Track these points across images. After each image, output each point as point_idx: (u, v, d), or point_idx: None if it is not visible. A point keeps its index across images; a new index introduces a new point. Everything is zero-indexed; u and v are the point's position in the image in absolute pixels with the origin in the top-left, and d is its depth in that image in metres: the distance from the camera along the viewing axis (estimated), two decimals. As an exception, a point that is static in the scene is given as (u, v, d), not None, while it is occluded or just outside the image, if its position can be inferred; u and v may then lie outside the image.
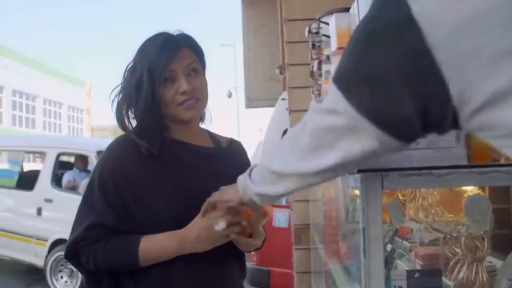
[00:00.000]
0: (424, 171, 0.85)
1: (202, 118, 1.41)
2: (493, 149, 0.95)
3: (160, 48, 1.22)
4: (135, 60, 1.27)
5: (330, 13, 2.40)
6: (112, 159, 1.26)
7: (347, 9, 2.42)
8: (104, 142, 8.50)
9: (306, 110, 2.63)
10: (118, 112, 1.29)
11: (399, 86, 0.61)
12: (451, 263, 0.93)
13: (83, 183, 5.61)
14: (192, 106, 1.25)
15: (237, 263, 1.31)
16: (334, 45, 1.28)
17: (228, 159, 1.35)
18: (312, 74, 2.44)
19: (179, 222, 1.19)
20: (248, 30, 16.50)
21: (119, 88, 1.30)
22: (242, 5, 16.06)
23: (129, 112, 1.29)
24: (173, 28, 1.31)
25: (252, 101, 16.53)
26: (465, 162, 0.88)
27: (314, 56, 2.42)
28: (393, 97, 0.63)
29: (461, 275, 0.89)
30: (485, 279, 0.90)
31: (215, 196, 1.15)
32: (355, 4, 1.17)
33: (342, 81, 0.71)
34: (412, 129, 0.65)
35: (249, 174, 1.03)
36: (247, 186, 1.01)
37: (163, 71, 1.20)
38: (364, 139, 0.68)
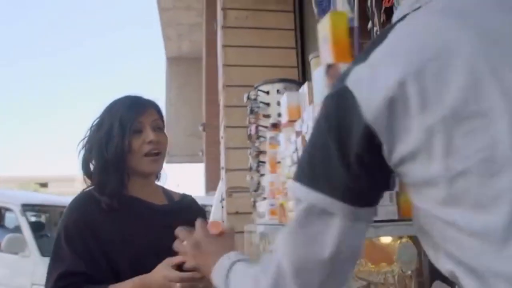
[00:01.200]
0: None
1: (157, 176, 1.50)
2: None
3: (130, 104, 1.36)
4: (102, 116, 1.37)
5: (267, 82, 2.64)
6: (76, 213, 1.33)
7: (282, 80, 2.68)
8: (30, 195, 7.80)
9: (241, 169, 2.76)
10: (85, 163, 1.38)
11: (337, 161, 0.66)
12: None
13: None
14: (157, 160, 1.37)
15: None
16: (285, 118, 1.46)
17: (181, 213, 1.43)
18: (250, 136, 2.61)
19: (140, 272, 1.26)
20: (171, 86, 16.64)
21: (84, 140, 1.39)
22: (167, 62, 16.24)
23: (91, 164, 1.38)
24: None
25: (172, 157, 16.36)
26: (396, 217, 1.07)
27: (252, 121, 2.62)
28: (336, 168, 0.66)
29: None
30: None
31: (187, 258, 1.10)
32: (304, 86, 1.36)
33: (297, 174, 0.73)
34: (364, 195, 0.68)
35: (227, 276, 0.88)
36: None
37: (133, 122, 1.32)
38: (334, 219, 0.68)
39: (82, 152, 1.39)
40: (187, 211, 1.46)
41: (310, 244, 0.69)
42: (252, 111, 2.62)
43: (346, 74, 0.68)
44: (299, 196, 0.71)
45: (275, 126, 1.96)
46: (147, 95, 1.45)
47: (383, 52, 0.65)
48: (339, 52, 1.11)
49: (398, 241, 1.09)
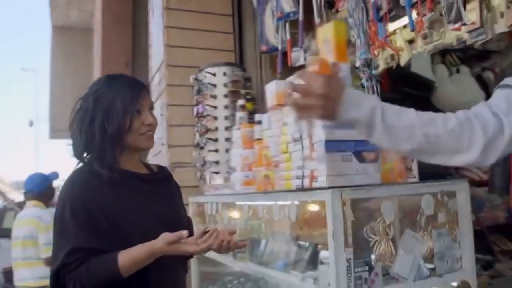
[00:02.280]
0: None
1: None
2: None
3: (131, 85, 1.44)
4: (100, 90, 1.41)
5: (213, 65, 2.84)
6: (78, 188, 1.37)
7: (227, 64, 2.90)
8: None
9: (183, 146, 2.96)
10: (84, 134, 1.39)
11: None
12: (371, 243, 1.43)
13: None
14: (152, 137, 1.47)
15: (183, 265, 1.58)
16: (273, 102, 1.69)
17: (164, 182, 1.57)
18: (197, 115, 2.80)
19: (148, 236, 1.33)
20: (56, 57, 15.56)
21: (81, 111, 1.41)
22: (52, 31, 15.12)
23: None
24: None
25: (57, 132, 15.44)
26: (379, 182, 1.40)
27: (199, 100, 2.81)
28: None
29: (380, 250, 1.42)
30: (393, 251, 1.43)
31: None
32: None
33: None
34: None
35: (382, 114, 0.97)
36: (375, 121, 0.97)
37: (136, 104, 1.40)
38: None
39: (78, 121, 1.41)
40: (168, 180, 1.61)
41: None
42: (199, 91, 2.80)
43: None
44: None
45: (243, 107, 2.18)
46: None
47: None
48: (339, 53, 1.38)
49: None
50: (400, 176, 1.53)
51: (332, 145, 1.35)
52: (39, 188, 3.45)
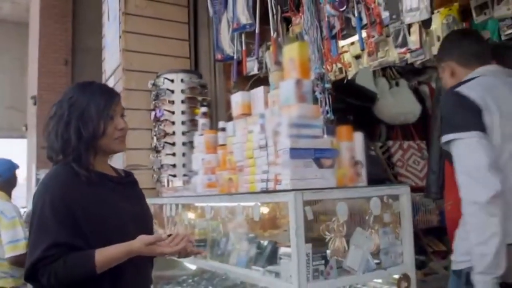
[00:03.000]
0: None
1: None
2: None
3: (104, 91, 1.54)
4: (74, 96, 1.50)
5: (172, 71, 2.93)
6: (59, 186, 1.43)
7: (185, 71, 3.00)
8: None
9: (139, 149, 3.02)
10: (60, 137, 1.46)
11: None
12: (327, 240, 1.61)
13: None
14: (124, 141, 1.57)
15: (151, 262, 1.64)
16: (238, 111, 1.83)
17: (133, 185, 1.67)
18: (155, 119, 2.88)
19: (125, 235, 1.41)
20: (-14, 51, 14.65)
21: (57, 114, 1.49)
22: (-18, 23, 14.25)
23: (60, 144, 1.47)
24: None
25: (-12, 130, 14.53)
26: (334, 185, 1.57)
27: (157, 105, 2.89)
28: None
29: (334, 245, 1.60)
30: (345, 247, 1.62)
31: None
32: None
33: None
34: None
35: None
36: None
37: (109, 109, 1.49)
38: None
39: (53, 126, 1.48)
40: (135, 184, 1.70)
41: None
42: (157, 97, 2.89)
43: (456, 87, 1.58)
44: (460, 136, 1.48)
45: (205, 114, 2.29)
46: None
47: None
48: (303, 71, 1.55)
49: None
50: (351, 181, 1.72)
51: (295, 153, 1.50)
52: (7, 174, 3.03)
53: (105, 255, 1.37)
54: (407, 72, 4.15)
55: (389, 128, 4.16)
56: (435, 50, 2.37)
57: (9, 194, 3.05)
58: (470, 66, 1.68)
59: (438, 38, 2.33)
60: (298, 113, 1.52)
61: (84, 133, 1.45)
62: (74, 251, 1.35)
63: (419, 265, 3.81)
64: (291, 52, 1.58)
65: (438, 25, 2.32)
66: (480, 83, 1.60)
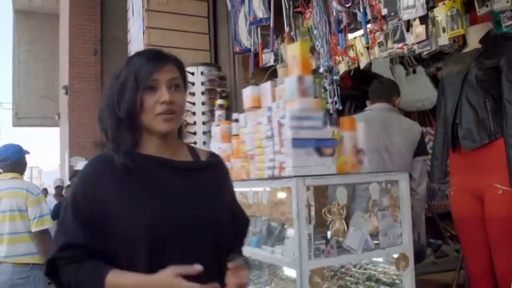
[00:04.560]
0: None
1: (180, 134, 1.34)
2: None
3: (148, 58, 1.23)
4: (121, 69, 1.26)
5: (192, 64, 3.11)
6: (85, 181, 1.22)
7: (204, 64, 3.17)
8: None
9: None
10: (100, 119, 1.27)
11: None
12: (328, 222, 1.78)
13: None
14: (170, 119, 1.20)
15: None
16: (248, 104, 1.99)
17: (207, 173, 1.29)
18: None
19: (156, 242, 1.14)
20: (19, 42, 15.25)
21: (101, 103, 1.29)
22: (15, 15, 14.82)
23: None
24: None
25: (20, 119, 15.19)
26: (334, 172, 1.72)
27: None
28: None
29: (334, 227, 1.76)
30: (345, 228, 1.78)
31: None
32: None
33: None
34: None
35: None
36: None
37: (147, 78, 1.19)
38: None
39: (99, 109, 1.28)
40: (214, 170, 1.32)
41: None
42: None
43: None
44: None
45: (222, 106, 2.47)
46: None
47: None
48: (304, 68, 1.70)
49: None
50: (353, 168, 1.86)
51: (297, 143, 1.66)
52: (17, 156, 3.20)
53: (118, 282, 1.13)
54: (424, 58, 4.20)
55: (406, 114, 4.25)
56: (441, 41, 2.46)
57: (21, 174, 3.24)
58: (372, 102, 2.76)
59: (444, 29, 2.42)
60: (300, 106, 1.67)
61: (120, 111, 1.21)
62: (92, 254, 1.15)
63: (436, 249, 3.94)
64: (293, 50, 1.73)
65: (443, 17, 2.40)
66: (364, 114, 2.67)
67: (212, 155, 1.38)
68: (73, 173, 5.31)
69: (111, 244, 1.16)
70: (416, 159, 2.60)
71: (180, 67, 1.28)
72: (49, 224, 3.04)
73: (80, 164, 8.20)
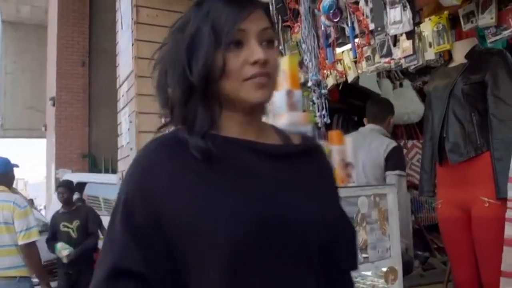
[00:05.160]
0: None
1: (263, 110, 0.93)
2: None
3: (229, 1, 0.85)
4: (188, 16, 0.88)
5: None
6: (137, 176, 0.83)
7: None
8: None
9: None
10: (161, 90, 0.89)
11: None
12: None
13: None
14: (265, 85, 0.83)
15: None
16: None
17: (305, 161, 0.91)
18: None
19: (241, 255, 0.76)
20: (6, 53, 15.20)
21: (158, 68, 0.90)
22: (2, 26, 14.77)
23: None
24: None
25: (7, 130, 15.06)
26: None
27: (167, 109, 3.07)
28: None
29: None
30: None
31: None
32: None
33: None
34: None
35: None
36: None
37: (231, 29, 0.81)
38: None
39: (157, 76, 0.90)
40: (312, 156, 0.94)
41: None
42: (167, 101, 3.07)
43: None
44: None
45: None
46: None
47: None
48: (293, 82, 1.71)
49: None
50: (341, 181, 1.87)
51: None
52: (4, 169, 3.18)
53: None
54: (411, 73, 4.26)
55: (394, 128, 4.29)
56: (427, 55, 2.50)
57: (9, 188, 3.21)
58: (368, 121, 3.00)
59: (430, 44, 2.46)
60: (289, 120, 1.68)
61: (191, 76, 0.82)
62: (144, 284, 0.78)
63: (423, 261, 3.96)
64: (282, 64, 1.74)
65: (429, 32, 2.45)
66: (353, 134, 2.87)
67: (306, 137, 1.00)
68: (59, 184, 5.28)
69: (178, 267, 0.78)
70: (387, 173, 2.78)
71: (268, 14, 0.90)
72: (36, 237, 3.02)
73: (67, 176, 8.13)
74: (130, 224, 0.79)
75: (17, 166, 3.39)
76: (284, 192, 0.83)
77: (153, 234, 0.78)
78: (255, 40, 0.83)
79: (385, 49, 2.14)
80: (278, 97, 1.74)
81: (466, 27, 2.26)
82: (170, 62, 0.87)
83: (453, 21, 2.40)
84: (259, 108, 0.87)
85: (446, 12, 2.37)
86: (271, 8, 2.66)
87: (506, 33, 2.13)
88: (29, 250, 2.95)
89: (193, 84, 0.82)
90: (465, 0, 2.22)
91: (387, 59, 2.15)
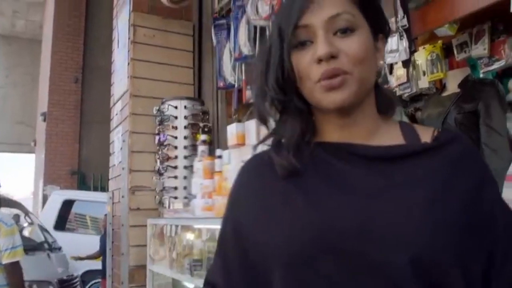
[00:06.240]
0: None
1: (383, 105, 0.81)
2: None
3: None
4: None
5: (176, 98, 3.12)
6: (231, 204, 0.82)
7: (188, 98, 3.17)
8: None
9: (143, 171, 3.19)
10: (259, 107, 0.81)
11: None
12: None
13: None
14: (335, 86, 0.71)
15: None
16: (234, 141, 1.99)
17: (423, 162, 0.72)
18: (159, 143, 3.05)
19: (301, 276, 0.67)
20: (-1, 66, 15.07)
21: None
22: (-5, 39, 14.68)
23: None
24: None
25: (-5, 146, 14.83)
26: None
27: (161, 130, 3.06)
28: None
29: None
30: None
31: None
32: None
33: None
34: None
35: None
36: None
37: (291, 27, 0.73)
38: None
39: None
40: (440, 154, 0.73)
41: None
42: (161, 122, 3.06)
43: None
44: None
45: (205, 142, 2.46)
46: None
47: None
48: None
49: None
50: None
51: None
52: None
53: None
54: (403, 100, 4.31)
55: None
56: (421, 83, 2.54)
57: None
58: None
59: (424, 72, 2.49)
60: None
61: (266, 87, 0.77)
62: None
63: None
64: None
65: (423, 61, 2.48)
66: None
67: (445, 133, 0.77)
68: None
69: (262, 279, 0.72)
70: None
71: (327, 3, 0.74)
72: (21, 257, 2.96)
73: (55, 193, 8.02)
74: (221, 242, 0.82)
75: None
76: (370, 201, 0.68)
77: (238, 250, 0.76)
78: (323, 32, 0.71)
79: (381, 77, 2.17)
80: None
81: (459, 56, 2.30)
82: (255, 77, 0.82)
83: (447, 51, 2.44)
84: (356, 107, 0.74)
85: (440, 42, 2.41)
86: (267, 32, 2.69)
87: (498, 64, 2.17)
88: (13, 269, 2.89)
89: (273, 97, 0.77)
90: (459, 31, 2.26)
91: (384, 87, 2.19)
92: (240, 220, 0.77)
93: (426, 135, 0.77)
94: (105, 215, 5.61)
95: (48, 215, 7.02)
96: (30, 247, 4.94)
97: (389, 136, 0.77)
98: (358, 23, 0.72)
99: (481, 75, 2.33)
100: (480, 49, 2.14)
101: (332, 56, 0.70)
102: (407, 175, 0.70)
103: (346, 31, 0.71)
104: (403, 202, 0.67)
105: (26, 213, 5.88)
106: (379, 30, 0.76)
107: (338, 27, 0.71)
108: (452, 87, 2.41)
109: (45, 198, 8.67)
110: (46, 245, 5.33)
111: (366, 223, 0.65)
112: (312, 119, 0.79)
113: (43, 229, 5.79)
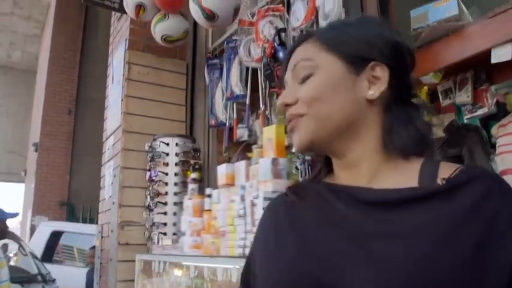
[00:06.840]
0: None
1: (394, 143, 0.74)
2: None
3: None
4: None
5: (167, 135, 3.16)
6: (254, 239, 0.87)
7: (179, 135, 3.22)
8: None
9: (133, 206, 3.21)
10: None
11: None
12: None
13: None
14: (291, 129, 0.76)
15: None
16: (223, 181, 2.03)
17: (431, 211, 0.65)
18: (150, 180, 3.08)
19: None
20: (-9, 96, 15.14)
21: None
22: (-9, 69, 14.79)
23: None
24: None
25: (-11, 176, 14.72)
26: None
27: (152, 166, 3.09)
28: None
29: None
30: None
31: None
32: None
33: None
34: None
35: None
36: None
37: (283, 77, 0.82)
38: None
39: None
40: (455, 197, 0.65)
41: None
42: (153, 158, 3.10)
43: None
44: None
45: (195, 180, 2.49)
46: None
47: None
48: (279, 150, 1.76)
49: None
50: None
51: (269, 223, 1.69)
52: None
53: None
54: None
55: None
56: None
57: None
58: None
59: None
60: (273, 188, 1.72)
61: None
62: None
63: None
64: (269, 132, 1.81)
65: (409, 106, 2.55)
66: None
67: (462, 173, 0.68)
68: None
69: None
70: None
71: (321, 38, 0.77)
72: None
73: (43, 224, 7.93)
74: (242, 272, 0.87)
75: (15, 216, 3.38)
76: (355, 251, 0.65)
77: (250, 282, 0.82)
78: (290, 83, 0.78)
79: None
80: (263, 164, 1.79)
81: (444, 102, 2.37)
82: None
83: (432, 96, 2.52)
84: (351, 149, 0.74)
85: (425, 88, 2.49)
86: (259, 74, 2.76)
87: (482, 110, 2.24)
88: None
89: None
90: (443, 78, 2.34)
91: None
92: (253, 254, 0.84)
93: (445, 175, 0.68)
94: (90, 248, 5.55)
95: (36, 246, 6.92)
96: (25, 279, 4.89)
97: (401, 177, 0.71)
98: (318, 65, 0.75)
99: (465, 121, 2.40)
100: (463, 96, 2.21)
101: (287, 105, 0.76)
102: (405, 222, 0.65)
103: (305, 78, 0.75)
104: (388, 256, 0.63)
105: (19, 243, 5.81)
106: (369, 59, 0.74)
107: (300, 76, 0.76)
108: (438, 132, 2.48)
109: (33, 229, 8.56)
110: (40, 277, 5.26)
111: (344, 277, 0.64)
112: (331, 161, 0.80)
113: (36, 259, 5.72)
